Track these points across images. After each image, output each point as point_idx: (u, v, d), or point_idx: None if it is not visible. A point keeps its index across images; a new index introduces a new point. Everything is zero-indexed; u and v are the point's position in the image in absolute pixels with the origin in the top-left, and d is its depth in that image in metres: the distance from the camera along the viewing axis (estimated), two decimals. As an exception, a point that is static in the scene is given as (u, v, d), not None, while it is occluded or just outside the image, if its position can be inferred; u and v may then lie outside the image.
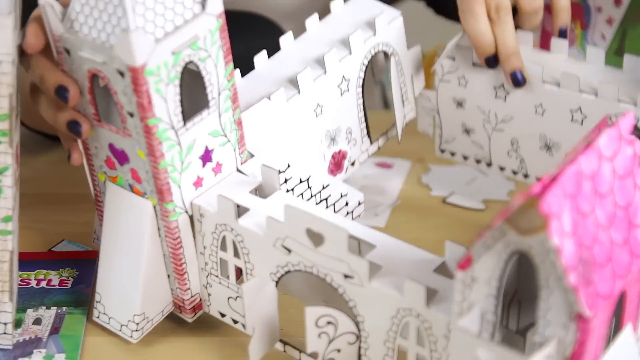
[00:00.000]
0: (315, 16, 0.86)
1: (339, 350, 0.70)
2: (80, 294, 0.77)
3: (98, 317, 0.77)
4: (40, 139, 1.01)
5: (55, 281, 0.83)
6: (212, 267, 0.75)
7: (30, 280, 0.83)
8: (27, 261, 0.85)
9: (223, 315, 0.77)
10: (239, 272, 0.74)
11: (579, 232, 0.56)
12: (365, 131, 0.87)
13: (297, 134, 0.82)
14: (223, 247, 0.73)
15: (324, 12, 0.87)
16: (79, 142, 0.75)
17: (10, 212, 0.72)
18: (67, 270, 0.84)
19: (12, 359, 0.75)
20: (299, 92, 0.81)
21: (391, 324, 0.67)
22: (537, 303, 0.59)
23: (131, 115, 0.69)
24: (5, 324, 0.75)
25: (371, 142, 0.88)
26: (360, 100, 0.86)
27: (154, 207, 0.73)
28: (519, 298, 0.69)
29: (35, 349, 0.76)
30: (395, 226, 0.91)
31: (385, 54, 0.86)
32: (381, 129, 0.89)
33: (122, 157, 0.72)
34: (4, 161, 0.71)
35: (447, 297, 0.64)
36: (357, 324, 0.69)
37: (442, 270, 0.67)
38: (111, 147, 0.73)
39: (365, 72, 0.85)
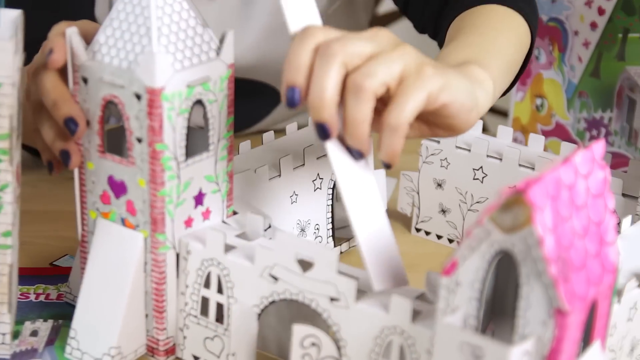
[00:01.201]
0: (294, 124, 0.94)
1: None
2: (77, 307, 0.80)
3: (71, 353, 0.78)
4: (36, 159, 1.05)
5: (53, 295, 0.86)
6: (191, 306, 0.77)
7: (30, 294, 0.86)
8: (27, 276, 0.88)
9: (197, 358, 0.78)
10: (219, 313, 0.76)
11: (559, 232, 0.62)
12: (330, 232, 0.93)
13: (274, 214, 0.87)
14: (207, 284, 0.76)
15: None
16: (76, 179, 0.79)
17: (9, 228, 0.75)
18: (64, 285, 0.87)
19: (10, 369, 0.78)
20: (279, 175, 0.87)
21: (374, 345, 0.69)
22: (517, 302, 0.63)
23: (139, 140, 0.74)
24: (3, 334, 0.77)
25: (334, 246, 0.93)
26: (330, 202, 0.92)
27: (145, 240, 0.76)
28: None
29: (31, 359, 0.78)
30: None
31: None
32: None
33: (119, 189, 0.77)
34: (4, 178, 0.74)
35: (430, 316, 0.68)
36: (339, 348, 0.71)
37: (422, 299, 0.71)
38: (110, 179, 0.77)
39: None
